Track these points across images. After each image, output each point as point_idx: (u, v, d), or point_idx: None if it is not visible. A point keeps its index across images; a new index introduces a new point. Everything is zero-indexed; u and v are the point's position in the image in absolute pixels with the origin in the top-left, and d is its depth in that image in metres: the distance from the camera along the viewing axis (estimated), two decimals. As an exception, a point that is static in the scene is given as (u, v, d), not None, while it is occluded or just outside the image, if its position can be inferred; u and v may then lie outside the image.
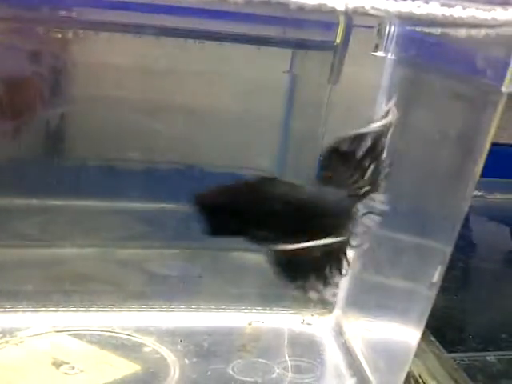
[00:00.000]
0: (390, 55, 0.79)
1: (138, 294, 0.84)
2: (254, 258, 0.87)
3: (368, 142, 0.54)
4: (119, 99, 0.83)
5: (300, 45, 0.84)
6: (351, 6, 0.48)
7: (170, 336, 0.80)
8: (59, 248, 0.85)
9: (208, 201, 0.53)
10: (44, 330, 0.78)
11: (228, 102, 0.89)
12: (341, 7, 0.48)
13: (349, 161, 0.54)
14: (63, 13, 0.78)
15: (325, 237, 0.53)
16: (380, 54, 0.80)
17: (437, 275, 0.64)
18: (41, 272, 0.83)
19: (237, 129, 0.89)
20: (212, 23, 0.82)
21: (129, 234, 0.89)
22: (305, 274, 0.55)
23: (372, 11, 0.56)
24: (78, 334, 0.78)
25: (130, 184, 0.85)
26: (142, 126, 0.86)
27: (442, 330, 0.89)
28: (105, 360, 0.75)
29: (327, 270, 0.55)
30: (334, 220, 0.53)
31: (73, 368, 0.73)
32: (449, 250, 0.62)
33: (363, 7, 0.52)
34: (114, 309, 0.83)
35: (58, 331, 0.78)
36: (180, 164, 0.88)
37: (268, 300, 0.86)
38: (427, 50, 0.74)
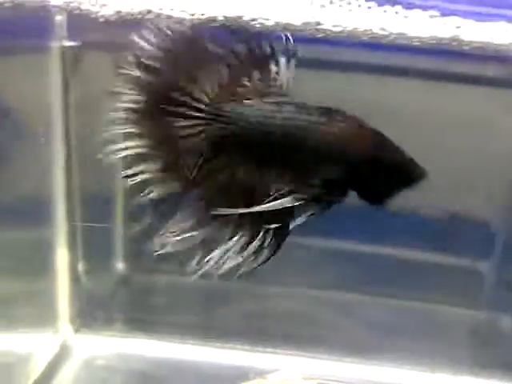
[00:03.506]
0: None
1: (371, 346, 0.80)
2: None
3: None
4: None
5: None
6: None
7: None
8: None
9: None
10: (292, 375, 0.75)
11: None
12: None
13: None
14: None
15: None
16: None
17: None
18: (291, 317, 0.81)
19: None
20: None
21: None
22: None
23: None
24: (324, 384, 0.74)
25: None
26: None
27: None
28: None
29: None
30: None
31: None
32: None
33: None
34: (354, 361, 0.79)
35: (305, 378, 0.74)
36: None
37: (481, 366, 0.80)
38: None
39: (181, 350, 0.81)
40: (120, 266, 0.85)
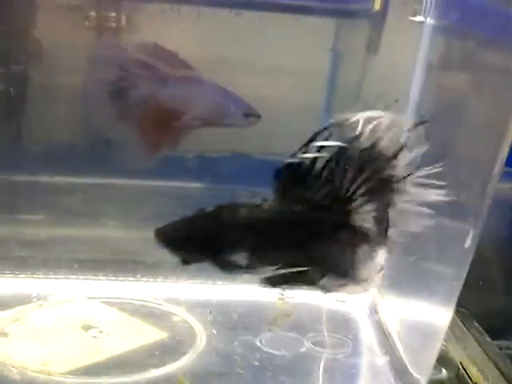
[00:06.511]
0: (429, 20, 0.76)
1: (170, 265, 0.83)
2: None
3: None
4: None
5: (337, 13, 0.81)
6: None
7: (200, 307, 0.79)
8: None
9: (169, 236, 0.54)
10: (77, 296, 0.80)
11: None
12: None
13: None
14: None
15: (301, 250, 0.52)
16: (419, 18, 0.77)
17: (469, 240, 0.60)
18: (75, 243, 0.84)
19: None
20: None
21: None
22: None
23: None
24: (109, 302, 0.79)
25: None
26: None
27: (490, 316, 0.84)
28: (133, 326, 0.76)
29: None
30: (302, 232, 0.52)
31: (101, 332, 0.74)
32: (482, 212, 0.59)
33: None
34: (147, 279, 0.83)
35: (90, 298, 0.80)
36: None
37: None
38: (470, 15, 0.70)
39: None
40: None
